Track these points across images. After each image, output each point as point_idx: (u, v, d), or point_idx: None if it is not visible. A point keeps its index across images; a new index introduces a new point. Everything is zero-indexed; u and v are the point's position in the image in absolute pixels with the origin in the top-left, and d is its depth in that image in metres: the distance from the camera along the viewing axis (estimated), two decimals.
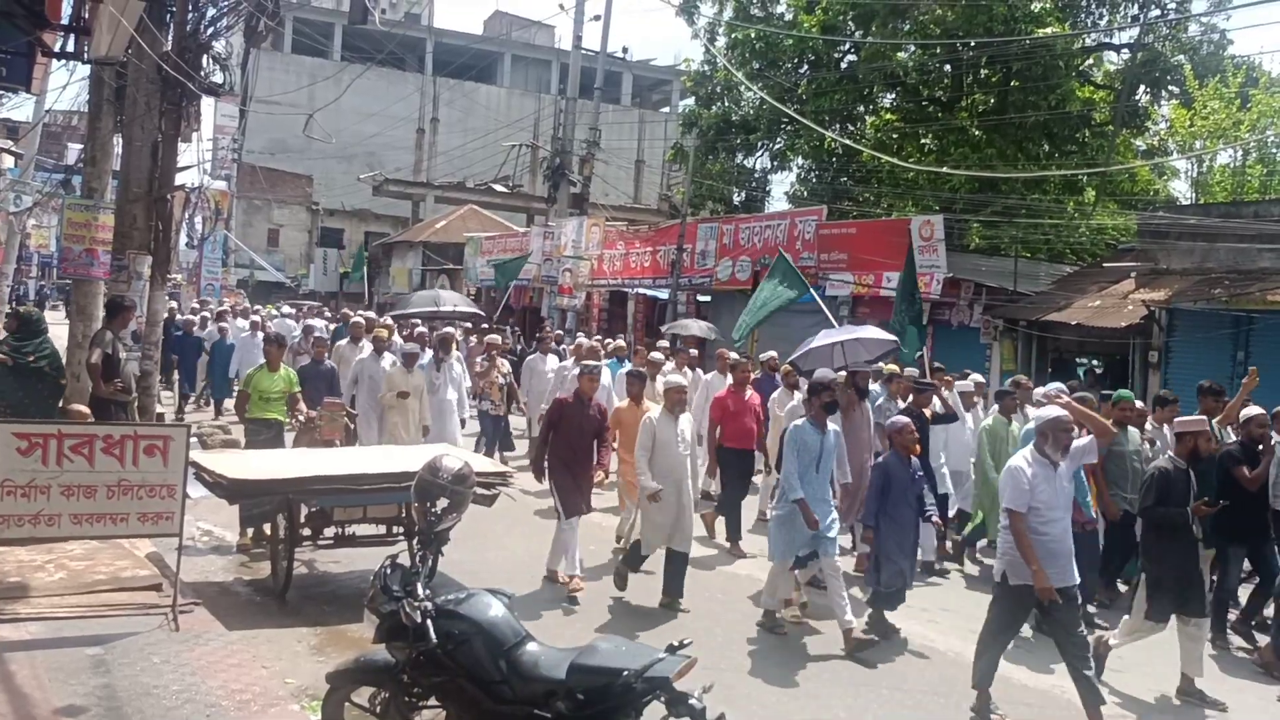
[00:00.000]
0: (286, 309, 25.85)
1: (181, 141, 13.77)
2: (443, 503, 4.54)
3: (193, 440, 7.41)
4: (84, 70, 12.41)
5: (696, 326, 20.01)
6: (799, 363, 10.87)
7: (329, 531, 7.83)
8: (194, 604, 6.95)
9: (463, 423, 12.60)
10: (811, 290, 13.59)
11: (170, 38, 12.32)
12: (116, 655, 6.00)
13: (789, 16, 28.25)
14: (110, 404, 9.46)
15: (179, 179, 14.03)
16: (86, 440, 6.36)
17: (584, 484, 8.31)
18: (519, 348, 20.36)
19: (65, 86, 79.53)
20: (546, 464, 8.44)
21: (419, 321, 19.24)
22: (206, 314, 20.81)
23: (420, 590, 4.35)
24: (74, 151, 27.81)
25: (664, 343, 16.67)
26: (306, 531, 7.72)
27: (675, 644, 4.20)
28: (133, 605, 6.78)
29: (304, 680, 5.92)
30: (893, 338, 11.23)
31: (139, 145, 12.03)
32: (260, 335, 15.44)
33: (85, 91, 13.27)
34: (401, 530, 7.84)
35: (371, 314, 19.74)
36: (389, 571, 4.55)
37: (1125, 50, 26.60)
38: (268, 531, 8.31)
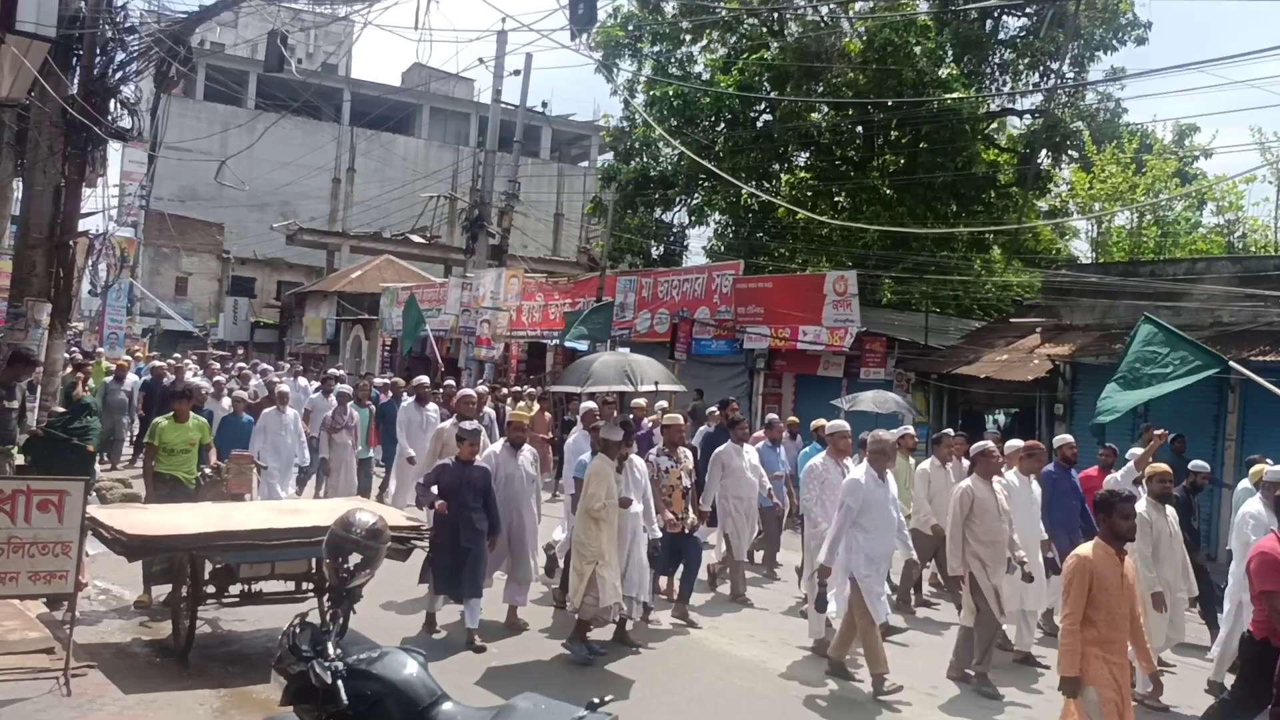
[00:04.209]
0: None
1: (86, 186, 13.39)
2: (355, 558, 4.38)
3: (91, 495, 7.10)
4: None
5: (889, 402, 14.61)
6: None
7: (235, 588, 7.53)
8: (88, 667, 6.62)
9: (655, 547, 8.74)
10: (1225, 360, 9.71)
11: (76, 81, 12.02)
12: None
13: (706, 75, 28.83)
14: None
15: (83, 225, 13.62)
16: None
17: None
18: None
19: None
20: None
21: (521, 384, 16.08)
22: (221, 379, 16.34)
23: (331, 649, 4.18)
24: None
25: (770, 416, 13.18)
26: (211, 588, 7.43)
27: (596, 701, 4.10)
28: (21, 669, 6.43)
29: None
30: None
31: (40, 189, 11.68)
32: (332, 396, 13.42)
33: None
34: (311, 587, 7.59)
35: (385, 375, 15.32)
36: (298, 630, 4.36)
37: (1028, 116, 27.77)
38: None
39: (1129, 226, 24.75)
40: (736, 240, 28.95)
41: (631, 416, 11.45)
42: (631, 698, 7.07)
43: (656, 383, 10.05)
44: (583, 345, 22.54)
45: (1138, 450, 9.57)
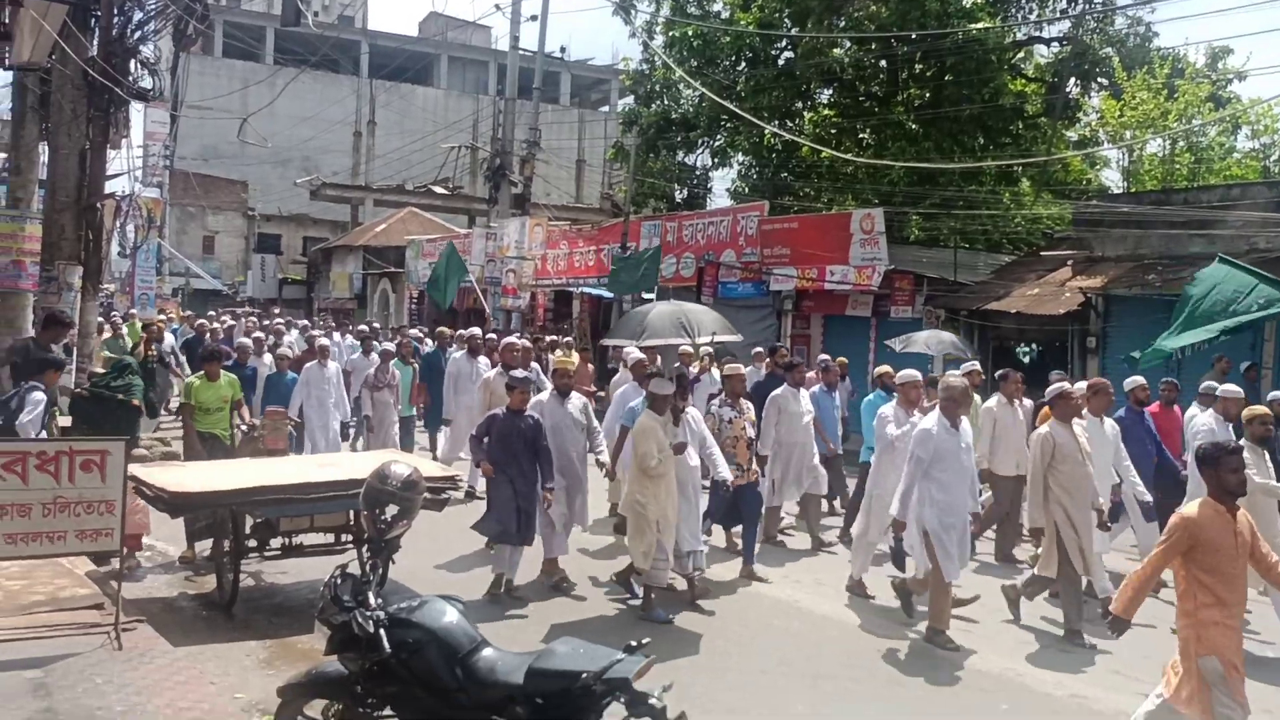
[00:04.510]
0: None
1: (110, 148, 13.48)
2: (392, 510, 4.45)
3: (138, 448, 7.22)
4: (5, 76, 12.10)
5: (945, 343, 14.34)
6: None
7: (276, 542, 7.69)
8: (137, 621, 6.77)
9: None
10: None
11: (96, 42, 12.03)
12: (57, 678, 5.81)
13: (726, 14, 28.37)
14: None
15: (109, 187, 13.72)
16: (19, 458, 6.17)
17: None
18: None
19: None
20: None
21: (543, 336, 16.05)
22: (260, 335, 15.80)
23: (372, 599, 4.27)
24: None
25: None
26: (253, 543, 7.58)
27: (634, 644, 4.17)
28: (73, 625, 6.59)
29: (254, 695, 5.79)
30: None
31: (66, 153, 11.76)
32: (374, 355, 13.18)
33: (7, 98, 12.92)
34: (351, 539, 7.72)
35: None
36: (339, 581, 4.45)
37: (1055, 44, 27.15)
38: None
39: (1161, 154, 24.30)
40: (761, 181, 28.68)
41: (678, 364, 11.27)
42: (665, 642, 7.13)
43: (714, 333, 9.77)
44: (608, 294, 22.51)
45: (1213, 383, 9.31)
